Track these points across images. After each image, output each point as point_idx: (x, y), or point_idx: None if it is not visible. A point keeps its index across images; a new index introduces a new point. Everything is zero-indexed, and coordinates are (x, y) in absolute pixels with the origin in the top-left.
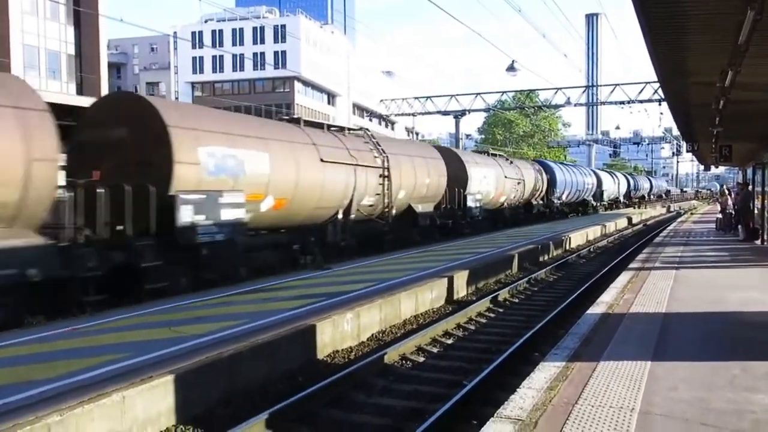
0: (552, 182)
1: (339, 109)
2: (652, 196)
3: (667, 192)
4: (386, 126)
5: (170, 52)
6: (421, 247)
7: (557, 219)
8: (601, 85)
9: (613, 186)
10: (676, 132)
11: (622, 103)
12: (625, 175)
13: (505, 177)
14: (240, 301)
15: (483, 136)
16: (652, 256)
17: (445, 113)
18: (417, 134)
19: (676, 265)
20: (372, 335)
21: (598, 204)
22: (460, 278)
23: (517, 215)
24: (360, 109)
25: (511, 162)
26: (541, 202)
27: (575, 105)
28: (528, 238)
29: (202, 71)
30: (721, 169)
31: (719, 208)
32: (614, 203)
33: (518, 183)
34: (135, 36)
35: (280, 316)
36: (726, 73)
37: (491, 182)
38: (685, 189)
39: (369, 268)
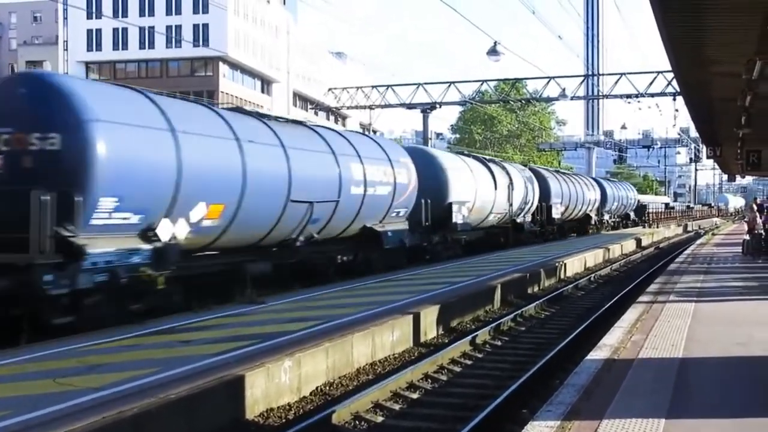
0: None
1: (276, 98)
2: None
3: (667, 206)
4: (336, 121)
5: (58, 23)
6: (382, 275)
7: (551, 240)
8: (603, 75)
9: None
10: (694, 133)
11: (628, 96)
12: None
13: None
14: (148, 344)
15: (457, 136)
16: (665, 287)
17: (411, 106)
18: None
19: (694, 298)
20: (317, 388)
21: (601, 221)
22: (429, 315)
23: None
24: (302, 100)
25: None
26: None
27: (572, 98)
28: (514, 265)
29: (99, 48)
30: (749, 179)
31: (746, 228)
32: (622, 221)
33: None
34: (12, 1)
35: (199, 363)
36: (753, 62)
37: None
38: (706, 204)
39: (314, 302)
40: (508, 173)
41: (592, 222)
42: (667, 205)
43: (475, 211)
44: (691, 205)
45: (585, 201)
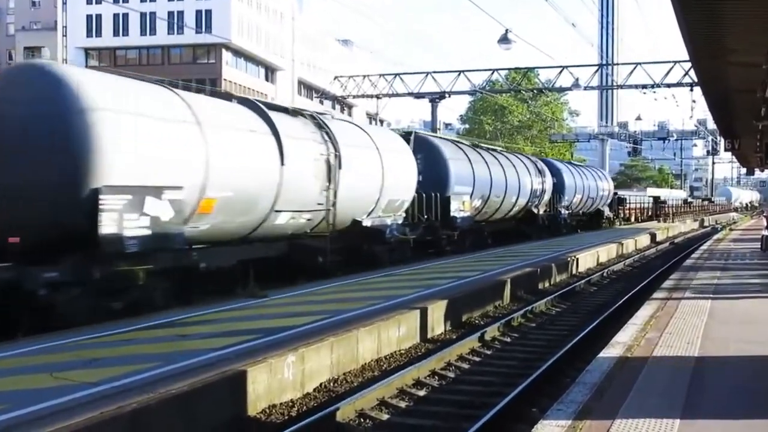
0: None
1: (280, 86)
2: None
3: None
4: (342, 110)
5: (57, 8)
6: (387, 270)
7: (564, 234)
8: (618, 64)
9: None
10: (711, 125)
11: (644, 87)
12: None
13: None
14: (147, 338)
15: (467, 126)
16: (681, 284)
17: (419, 96)
18: (382, 122)
19: (711, 295)
20: (321, 384)
21: (615, 216)
22: (437, 310)
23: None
24: (307, 88)
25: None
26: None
27: (585, 88)
28: (524, 259)
29: (99, 34)
30: None
31: (765, 224)
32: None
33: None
34: None
35: (200, 358)
36: None
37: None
38: (706, 198)
39: (318, 296)
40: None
41: (604, 216)
42: (685, 200)
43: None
44: (710, 197)
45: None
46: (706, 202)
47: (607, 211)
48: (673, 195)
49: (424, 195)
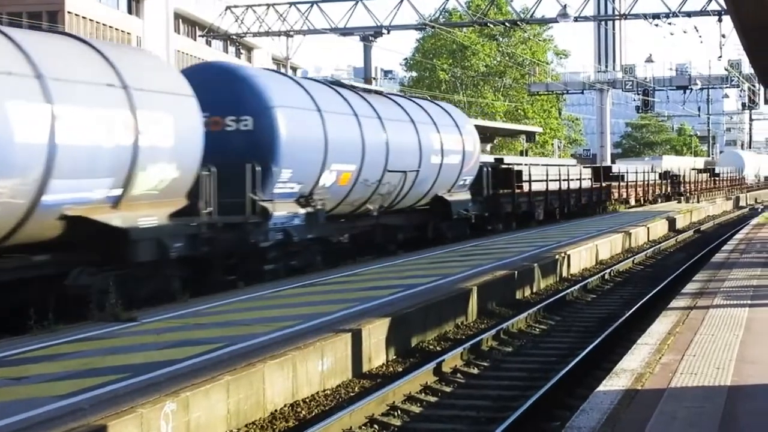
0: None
1: (149, 21)
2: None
3: (670, 174)
4: (238, 54)
5: None
6: (307, 276)
7: (546, 224)
8: None
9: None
10: (748, 69)
11: (655, 16)
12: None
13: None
14: None
15: (414, 74)
16: (709, 287)
17: (346, 32)
18: (295, 70)
19: (749, 302)
20: None
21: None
22: (375, 333)
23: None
24: (189, 23)
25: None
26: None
27: (576, 19)
28: (498, 258)
29: None
30: None
31: None
32: (639, 195)
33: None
34: None
35: (41, 410)
36: None
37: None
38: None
39: (206, 317)
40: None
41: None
42: (711, 171)
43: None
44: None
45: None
46: (705, 175)
47: (460, 197)
48: (685, 164)
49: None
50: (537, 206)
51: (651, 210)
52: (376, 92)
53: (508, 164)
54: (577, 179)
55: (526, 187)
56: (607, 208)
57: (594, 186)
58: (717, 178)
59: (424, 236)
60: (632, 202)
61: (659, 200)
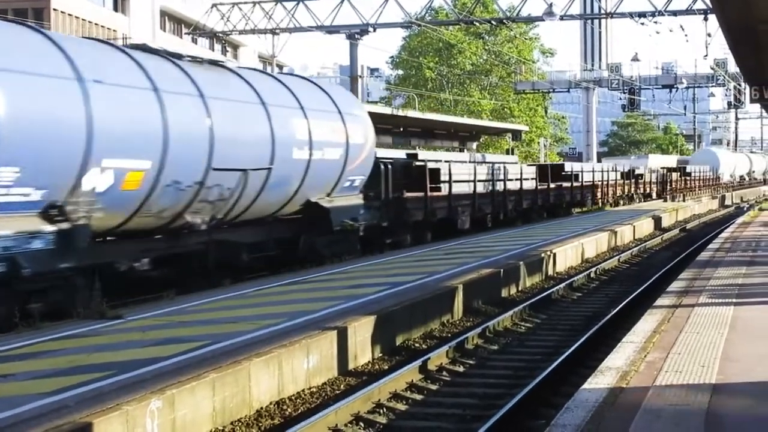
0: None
1: (135, 18)
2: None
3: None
4: (224, 51)
5: None
6: (292, 274)
7: (535, 222)
8: None
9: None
10: (734, 68)
11: (641, 15)
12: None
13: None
14: None
15: (400, 72)
16: (694, 285)
17: (332, 30)
18: (281, 67)
19: (734, 300)
20: None
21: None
22: (361, 331)
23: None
24: (174, 21)
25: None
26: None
27: (562, 18)
28: (483, 256)
29: None
30: None
31: None
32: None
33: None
34: None
35: (25, 408)
36: None
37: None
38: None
39: (190, 315)
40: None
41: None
42: (682, 170)
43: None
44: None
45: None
46: (675, 174)
47: (345, 203)
48: (657, 163)
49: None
50: (461, 212)
51: (636, 209)
52: (210, 62)
53: (423, 161)
54: (516, 179)
55: (444, 188)
56: (560, 213)
57: (540, 188)
58: (688, 178)
59: (292, 254)
60: (588, 205)
61: (621, 202)
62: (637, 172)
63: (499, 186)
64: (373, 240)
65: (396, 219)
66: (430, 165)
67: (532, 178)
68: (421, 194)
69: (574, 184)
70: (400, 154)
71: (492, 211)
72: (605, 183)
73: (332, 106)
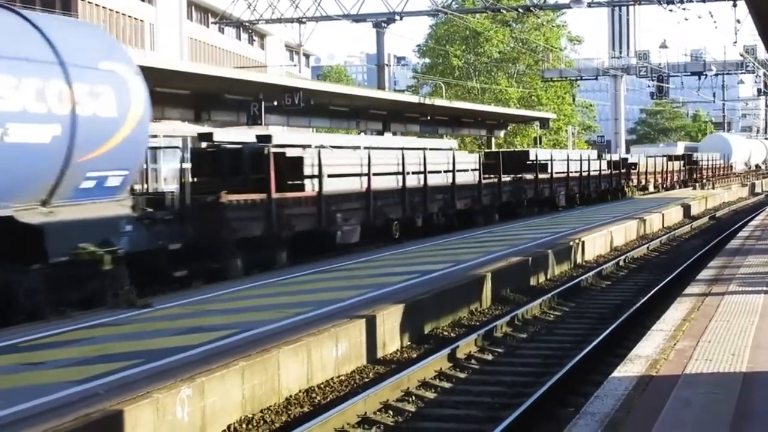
0: None
1: (162, 7)
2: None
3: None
4: (251, 40)
5: None
6: (330, 261)
7: (562, 211)
8: None
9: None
10: (763, 54)
11: (669, 2)
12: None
13: None
14: None
15: (427, 61)
16: (724, 274)
17: (359, 19)
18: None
19: (764, 288)
20: (229, 427)
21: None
22: (389, 319)
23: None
24: (201, 10)
25: None
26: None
27: (590, 5)
28: (511, 245)
29: None
30: None
31: None
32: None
33: None
34: None
35: (55, 396)
36: None
37: None
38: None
39: (217, 304)
40: None
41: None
42: (688, 158)
43: None
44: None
45: None
46: (679, 163)
47: (81, 216)
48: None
49: None
50: (342, 221)
51: (664, 197)
52: None
53: (279, 146)
54: (445, 171)
55: (308, 186)
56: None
57: (484, 182)
58: (695, 167)
59: None
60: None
61: (609, 197)
62: (630, 161)
63: (414, 181)
64: (160, 270)
65: (203, 237)
66: (289, 152)
67: (473, 170)
68: (260, 198)
69: (540, 176)
70: (244, 136)
71: (402, 216)
72: (582, 175)
73: (41, 50)
